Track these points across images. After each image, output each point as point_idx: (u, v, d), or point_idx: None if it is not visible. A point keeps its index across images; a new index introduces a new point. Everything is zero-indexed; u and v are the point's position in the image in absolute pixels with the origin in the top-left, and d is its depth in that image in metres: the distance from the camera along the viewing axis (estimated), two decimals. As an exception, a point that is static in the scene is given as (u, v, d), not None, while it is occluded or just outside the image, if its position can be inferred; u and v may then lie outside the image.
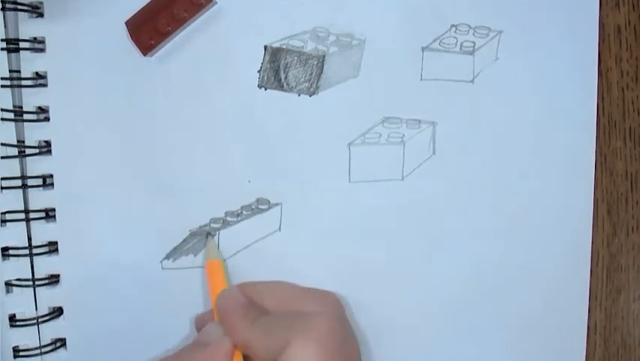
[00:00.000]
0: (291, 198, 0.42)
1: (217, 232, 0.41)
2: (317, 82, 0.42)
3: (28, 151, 0.40)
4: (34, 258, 0.41)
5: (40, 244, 0.41)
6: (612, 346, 0.44)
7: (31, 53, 0.40)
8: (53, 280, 0.41)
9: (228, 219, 0.42)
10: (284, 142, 0.42)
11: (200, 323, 0.40)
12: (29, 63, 0.40)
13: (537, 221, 0.43)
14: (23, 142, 0.40)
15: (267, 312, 0.38)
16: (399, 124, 0.42)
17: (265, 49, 0.41)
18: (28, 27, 0.40)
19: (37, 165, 0.41)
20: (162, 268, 0.42)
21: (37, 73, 0.40)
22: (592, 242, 0.44)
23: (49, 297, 0.41)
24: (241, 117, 0.42)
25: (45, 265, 0.41)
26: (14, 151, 0.40)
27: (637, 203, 0.44)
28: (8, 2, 0.39)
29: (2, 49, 0.39)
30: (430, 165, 0.43)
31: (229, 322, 0.37)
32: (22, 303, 0.41)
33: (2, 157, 0.40)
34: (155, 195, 0.41)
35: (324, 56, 0.41)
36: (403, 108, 0.42)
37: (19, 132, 0.40)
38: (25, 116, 0.40)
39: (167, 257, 0.42)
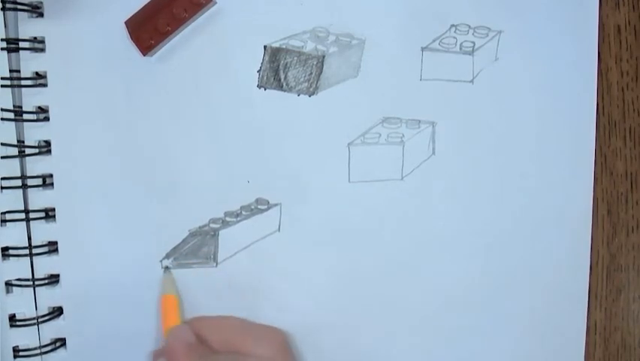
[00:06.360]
0: (291, 198, 0.42)
1: (218, 232, 0.41)
2: (316, 82, 0.42)
3: (28, 151, 0.40)
4: (34, 258, 0.41)
5: (40, 243, 0.41)
6: (612, 346, 0.44)
7: (31, 53, 0.40)
8: (53, 280, 0.41)
9: (227, 219, 0.42)
10: (283, 142, 0.42)
11: (157, 357, 0.40)
12: (29, 63, 0.40)
13: (537, 221, 0.43)
14: (23, 142, 0.40)
15: (212, 352, 0.39)
16: (398, 124, 0.42)
17: (265, 49, 0.41)
18: (28, 27, 0.40)
19: (37, 165, 0.41)
20: (162, 268, 0.42)
21: (37, 73, 0.40)
22: (592, 242, 0.44)
23: (49, 297, 0.41)
24: (240, 117, 0.42)
25: (45, 265, 0.41)
26: (14, 151, 0.40)
27: (637, 203, 0.44)
28: (8, 2, 0.39)
29: (2, 49, 0.40)
30: (430, 165, 0.43)
31: (172, 360, 0.38)
32: (22, 303, 0.41)
33: (2, 157, 0.40)
34: (155, 195, 0.41)
35: (323, 56, 0.41)
36: (403, 108, 0.42)
37: (19, 132, 0.40)
38: (25, 116, 0.40)
39: (167, 257, 0.42)
